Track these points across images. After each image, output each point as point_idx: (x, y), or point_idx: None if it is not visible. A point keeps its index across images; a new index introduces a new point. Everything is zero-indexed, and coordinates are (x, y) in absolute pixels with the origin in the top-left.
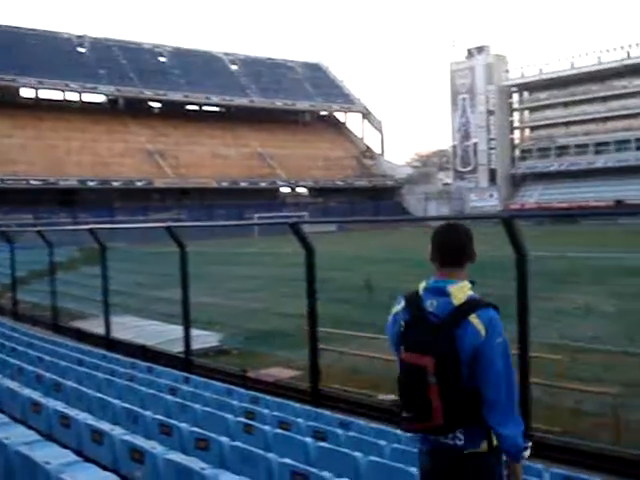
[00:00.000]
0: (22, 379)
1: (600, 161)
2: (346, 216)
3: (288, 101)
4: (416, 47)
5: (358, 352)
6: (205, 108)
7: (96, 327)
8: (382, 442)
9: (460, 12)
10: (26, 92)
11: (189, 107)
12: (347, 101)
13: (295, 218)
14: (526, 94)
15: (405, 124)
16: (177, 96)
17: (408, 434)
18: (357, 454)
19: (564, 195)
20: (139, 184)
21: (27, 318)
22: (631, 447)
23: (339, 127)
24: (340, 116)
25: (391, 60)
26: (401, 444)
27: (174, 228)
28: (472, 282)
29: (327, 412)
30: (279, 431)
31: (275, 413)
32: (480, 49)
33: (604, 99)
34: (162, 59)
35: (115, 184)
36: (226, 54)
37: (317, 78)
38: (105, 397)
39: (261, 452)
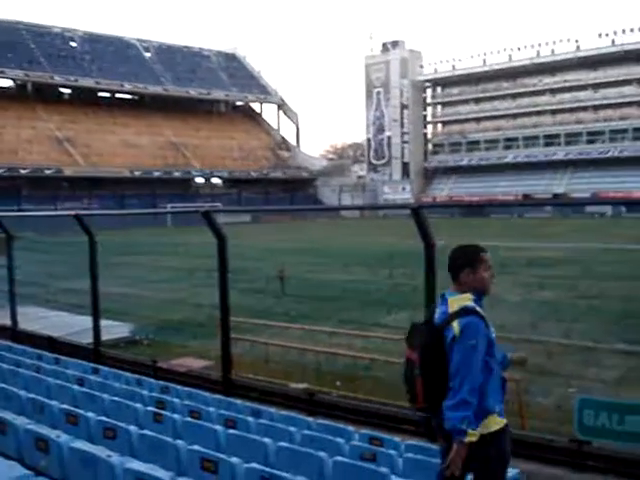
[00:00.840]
0: None
1: (509, 156)
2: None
3: (203, 90)
4: (333, 40)
5: (270, 341)
6: (118, 95)
7: (1, 318)
8: (292, 429)
9: (377, 6)
10: None
11: (101, 94)
12: (263, 92)
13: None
14: (439, 89)
15: (321, 116)
16: (88, 82)
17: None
18: (267, 440)
19: (474, 189)
20: (48, 172)
21: None
22: (535, 431)
23: (254, 118)
24: (256, 107)
25: (308, 52)
26: (312, 430)
27: (83, 217)
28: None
29: (239, 401)
30: (189, 419)
31: (186, 402)
32: (395, 44)
33: (514, 96)
34: (73, 44)
35: (23, 172)
36: (140, 41)
37: (233, 68)
38: (10, 388)
39: (170, 440)
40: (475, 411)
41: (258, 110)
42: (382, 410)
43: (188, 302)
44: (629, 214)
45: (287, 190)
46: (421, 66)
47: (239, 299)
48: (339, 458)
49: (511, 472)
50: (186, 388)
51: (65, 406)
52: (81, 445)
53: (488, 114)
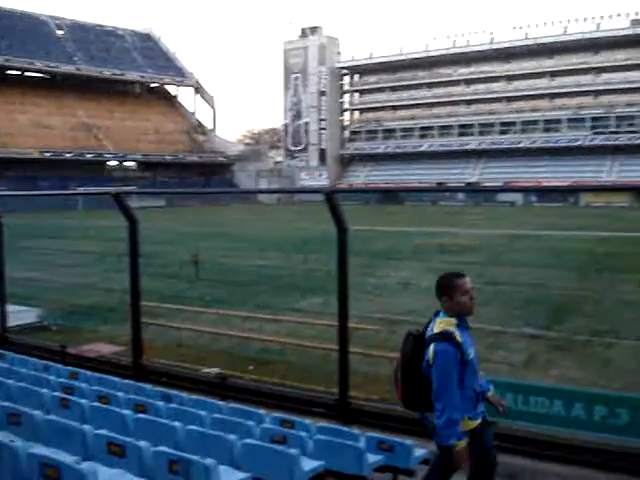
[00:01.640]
0: None
1: (425, 145)
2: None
3: (117, 71)
4: (252, 23)
5: (183, 326)
6: (28, 74)
7: None
8: (203, 413)
9: None
10: None
11: (10, 72)
12: (179, 74)
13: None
14: (356, 77)
15: (238, 101)
16: None
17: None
18: (176, 424)
19: (390, 176)
20: None
21: None
22: None
23: (170, 100)
24: (171, 89)
25: (226, 35)
26: (222, 414)
27: None
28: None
29: (149, 386)
30: (97, 404)
31: (94, 387)
32: (314, 30)
33: (430, 85)
34: None
35: None
36: (52, 18)
37: (148, 49)
38: None
39: (77, 425)
40: None
41: (174, 93)
42: (294, 394)
43: (99, 287)
44: (539, 203)
45: (203, 175)
46: (339, 53)
47: (152, 284)
48: (249, 440)
49: (420, 452)
50: (96, 374)
51: None
52: None
53: (404, 103)
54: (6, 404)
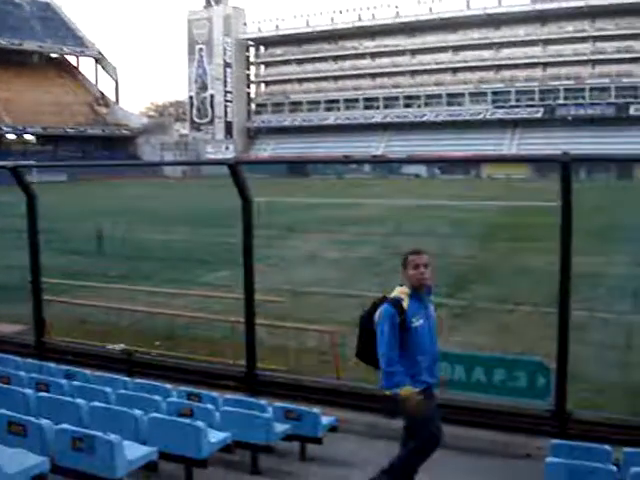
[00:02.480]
0: None
1: (331, 118)
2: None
3: (15, 40)
4: None
5: (86, 302)
6: None
7: None
8: (108, 389)
9: None
10: None
11: None
12: (80, 44)
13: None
14: (262, 49)
15: (141, 72)
16: None
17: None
18: (80, 401)
19: (297, 149)
20: None
21: None
22: (349, 380)
23: (71, 71)
24: (72, 60)
25: (129, 5)
26: (128, 390)
27: None
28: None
29: (52, 364)
30: None
31: None
32: (218, 0)
33: (336, 58)
34: None
35: None
36: None
37: (47, 18)
38: None
39: None
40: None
41: (75, 63)
42: (202, 367)
43: None
44: (443, 175)
45: (106, 148)
46: (245, 24)
47: (54, 260)
48: (154, 415)
49: (327, 419)
50: None
51: None
52: None
53: (310, 75)
54: None
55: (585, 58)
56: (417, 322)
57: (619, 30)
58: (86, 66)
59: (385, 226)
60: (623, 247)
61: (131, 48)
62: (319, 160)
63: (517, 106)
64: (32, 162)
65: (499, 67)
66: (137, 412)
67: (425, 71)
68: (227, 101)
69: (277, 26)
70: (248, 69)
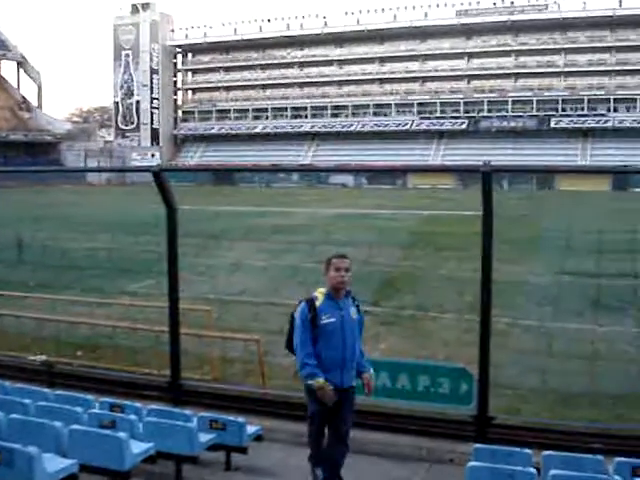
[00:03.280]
0: None
1: (259, 126)
2: None
3: None
4: None
5: (4, 312)
6: None
7: None
8: (27, 401)
9: None
10: None
11: None
12: (2, 47)
13: None
14: (190, 56)
15: (66, 77)
16: None
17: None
18: None
19: (224, 157)
20: None
21: None
22: (275, 388)
23: None
24: None
25: (54, 9)
26: (49, 402)
27: None
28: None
29: None
30: None
31: None
32: (146, 5)
33: (264, 67)
34: None
35: None
36: None
37: None
38: None
39: None
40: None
41: None
42: (126, 378)
43: None
44: (369, 185)
45: (29, 154)
46: (172, 31)
47: None
48: (75, 426)
49: (252, 428)
50: None
51: None
52: None
53: (238, 84)
54: None
55: (508, 72)
56: (327, 320)
57: (541, 45)
58: (8, 70)
59: (311, 235)
60: (543, 256)
61: (56, 52)
62: (246, 168)
63: (442, 117)
64: None
65: (425, 79)
66: (57, 424)
67: (352, 81)
68: (153, 108)
69: (205, 33)
70: (175, 76)
